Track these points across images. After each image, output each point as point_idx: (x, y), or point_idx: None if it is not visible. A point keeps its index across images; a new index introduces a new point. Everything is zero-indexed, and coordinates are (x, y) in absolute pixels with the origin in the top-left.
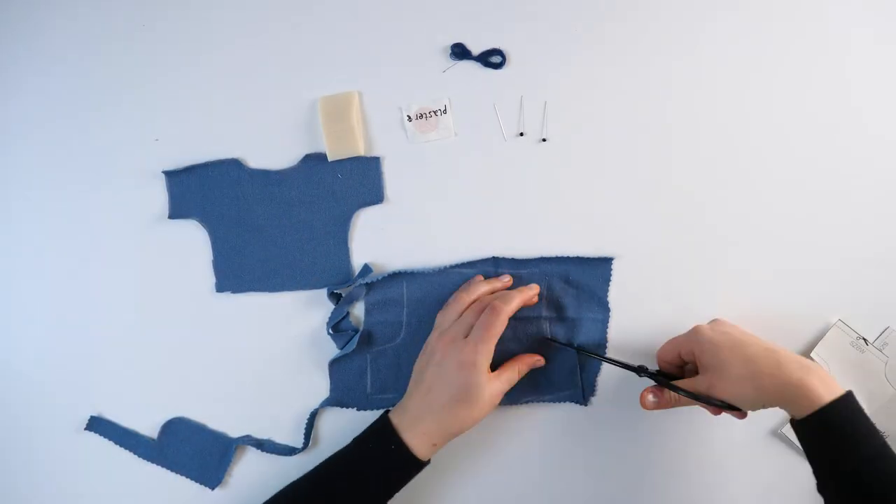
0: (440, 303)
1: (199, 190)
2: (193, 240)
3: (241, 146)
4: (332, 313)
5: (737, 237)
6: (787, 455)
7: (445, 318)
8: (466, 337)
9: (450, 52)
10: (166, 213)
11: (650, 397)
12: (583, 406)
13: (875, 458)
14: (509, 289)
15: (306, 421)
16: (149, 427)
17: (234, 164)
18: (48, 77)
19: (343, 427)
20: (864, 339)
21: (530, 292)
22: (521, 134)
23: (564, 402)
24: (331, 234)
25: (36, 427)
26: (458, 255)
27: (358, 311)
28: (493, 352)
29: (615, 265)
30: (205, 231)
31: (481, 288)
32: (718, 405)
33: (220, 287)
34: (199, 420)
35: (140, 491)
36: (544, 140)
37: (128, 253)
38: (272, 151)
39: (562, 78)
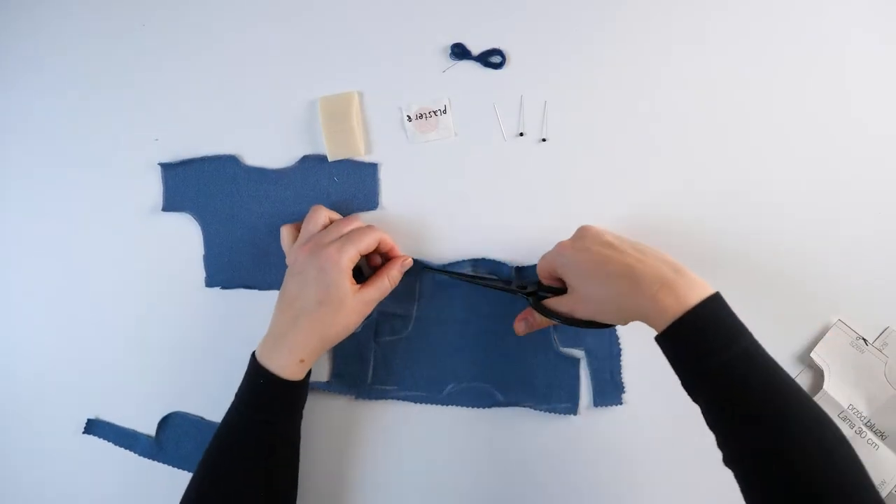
0: (452, 301)
1: (195, 184)
2: (186, 234)
3: (240, 146)
4: None
5: (736, 237)
6: None
7: (308, 228)
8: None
9: (450, 52)
10: (160, 205)
11: (521, 324)
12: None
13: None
14: None
15: None
16: (144, 421)
17: (231, 161)
18: (47, 75)
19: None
20: (863, 339)
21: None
22: (521, 134)
23: (559, 413)
24: None
25: (27, 423)
26: (458, 256)
27: None
28: (356, 260)
29: None
30: (197, 225)
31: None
32: (583, 326)
33: (210, 282)
34: (195, 412)
35: (142, 490)
36: (544, 140)
37: (121, 246)
38: (271, 151)
39: (562, 78)
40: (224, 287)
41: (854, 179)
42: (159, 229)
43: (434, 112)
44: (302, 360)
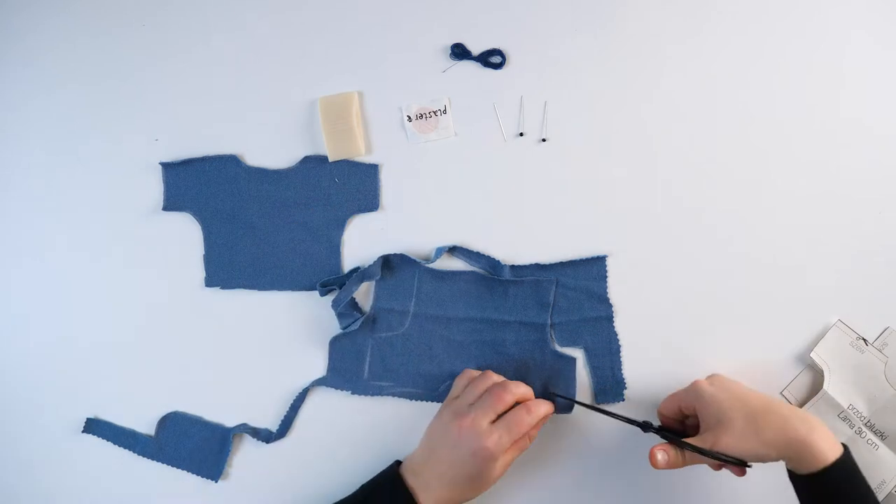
0: (450, 299)
1: (195, 184)
2: (186, 234)
3: (240, 145)
4: (341, 292)
5: (736, 237)
6: None
7: (465, 389)
8: (492, 423)
9: (450, 52)
10: (160, 205)
11: (660, 455)
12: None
13: None
14: None
15: (293, 399)
16: (142, 420)
17: (232, 161)
18: (47, 74)
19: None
20: (863, 339)
21: (549, 409)
22: (521, 134)
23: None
24: (324, 237)
25: (26, 422)
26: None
27: (363, 296)
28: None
29: (615, 262)
30: (198, 225)
31: (498, 379)
32: (726, 461)
33: (210, 282)
34: (194, 412)
35: (142, 490)
36: (544, 140)
37: (121, 245)
38: (271, 151)
39: (562, 78)
40: (223, 287)
41: (854, 179)
42: (159, 229)
43: (434, 112)
44: None
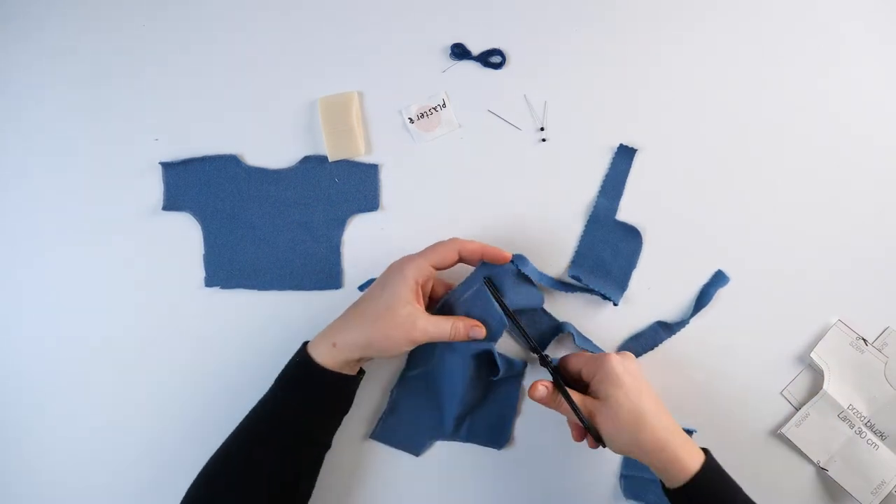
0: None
1: (195, 183)
2: (186, 233)
3: (240, 146)
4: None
5: (737, 237)
6: (788, 455)
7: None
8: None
9: (450, 52)
10: (160, 204)
11: (541, 388)
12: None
13: None
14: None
15: None
16: (140, 420)
17: (232, 160)
18: (46, 74)
19: None
20: (863, 339)
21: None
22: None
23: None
24: (324, 237)
25: (25, 422)
26: None
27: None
28: (425, 269)
29: None
30: (198, 225)
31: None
32: (592, 433)
33: (210, 282)
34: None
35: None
36: (544, 140)
37: (121, 245)
38: (271, 151)
39: (562, 78)
40: (223, 287)
41: (854, 179)
42: (159, 228)
43: (434, 108)
44: (334, 345)
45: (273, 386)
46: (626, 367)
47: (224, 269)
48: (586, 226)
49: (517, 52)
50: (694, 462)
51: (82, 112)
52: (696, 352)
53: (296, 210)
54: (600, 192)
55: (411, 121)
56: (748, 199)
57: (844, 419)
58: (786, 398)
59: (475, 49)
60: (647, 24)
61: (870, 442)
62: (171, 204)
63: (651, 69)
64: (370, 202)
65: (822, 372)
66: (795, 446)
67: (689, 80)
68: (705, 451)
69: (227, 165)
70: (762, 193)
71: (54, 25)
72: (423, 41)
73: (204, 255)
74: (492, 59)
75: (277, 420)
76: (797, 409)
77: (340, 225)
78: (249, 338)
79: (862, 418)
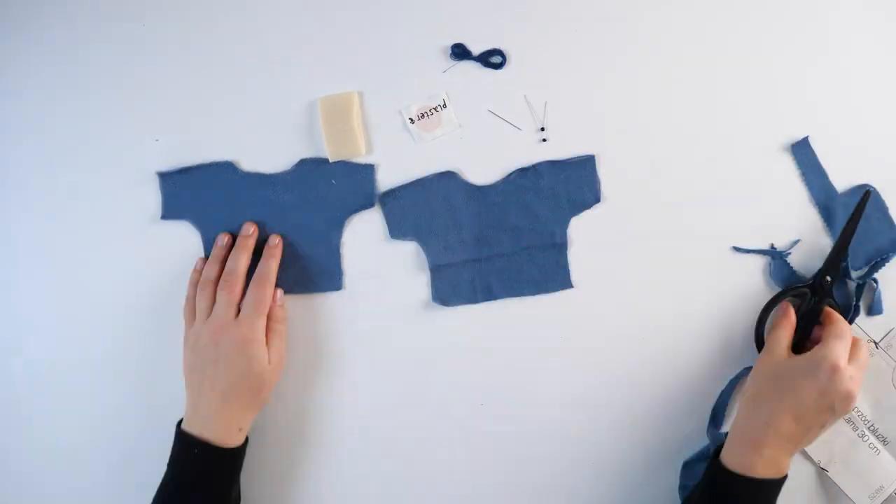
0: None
1: (192, 192)
2: (187, 241)
3: (240, 146)
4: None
5: (739, 237)
6: None
7: (200, 305)
8: (236, 317)
9: (450, 52)
10: (159, 213)
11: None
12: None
13: None
14: None
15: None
16: (145, 428)
17: (228, 167)
18: (45, 76)
19: None
20: (874, 341)
21: (275, 250)
22: (520, 130)
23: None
24: (323, 240)
25: (24, 424)
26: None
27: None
28: (264, 325)
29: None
30: (197, 233)
31: (217, 266)
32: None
33: None
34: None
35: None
36: (544, 140)
37: (120, 253)
38: (271, 152)
39: (562, 78)
40: None
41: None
42: (159, 236)
43: (434, 109)
44: (241, 429)
45: (179, 489)
46: (842, 352)
47: None
48: None
49: (517, 52)
50: (768, 469)
51: (81, 113)
52: (706, 355)
53: (294, 213)
54: None
55: (412, 121)
56: (752, 199)
57: (848, 421)
58: None
59: (475, 49)
60: (649, 23)
61: (871, 446)
62: (169, 213)
63: (654, 68)
64: (367, 201)
65: None
66: None
67: (689, 77)
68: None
69: (223, 172)
70: (765, 194)
71: (53, 29)
72: (423, 41)
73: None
74: (492, 59)
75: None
76: None
77: (339, 226)
78: None
79: (866, 422)
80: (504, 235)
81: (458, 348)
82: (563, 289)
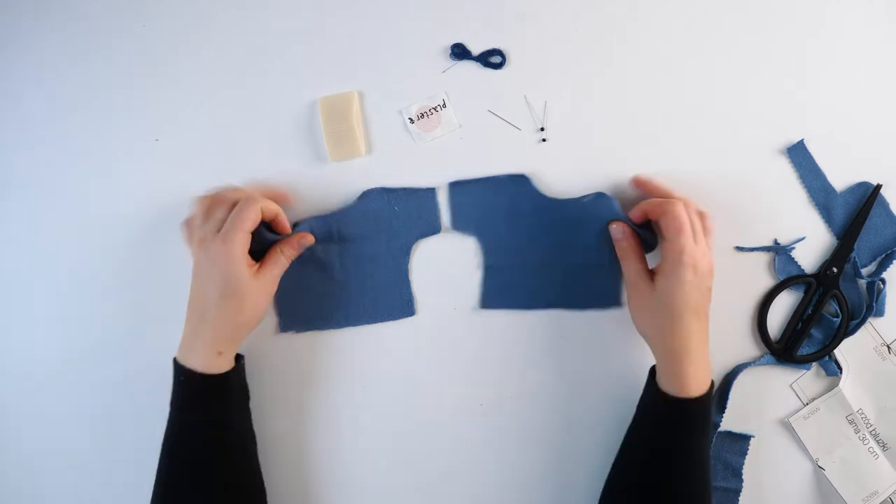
0: None
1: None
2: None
3: (240, 147)
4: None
5: (741, 240)
6: (787, 446)
7: (192, 222)
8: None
9: (450, 52)
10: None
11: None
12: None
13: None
14: None
15: None
16: (146, 439)
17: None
18: (45, 78)
19: None
20: (887, 346)
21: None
22: (520, 130)
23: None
24: (392, 267)
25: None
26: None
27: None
28: (248, 241)
29: None
30: None
31: (228, 193)
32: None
33: (284, 327)
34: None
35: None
36: (544, 140)
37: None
38: (271, 152)
39: (562, 78)
40: (297, 331)
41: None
42: (153, 242)
43: (434, 109)
44: (220, 353)
45: (175, 416)
46: (689, 243)
47: (297, 313)
48: None
49: (517, 52)
50: (692, 387)
51: (81, 112)
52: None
53: (361, 245)
54: None
55: (411, 121)
56: (755, 199)
57: (851, 422)
58: (794, 391)
59: (475, 49)
60: (649, 23)
61: (871, 450)
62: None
63: (654, 68)
64: (432, 226)
65: (841, 369)
66: (798, 438)
67: (690, 77)
68: (711, 383)
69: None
70: (767, 195)
71: (53, 30)
72: (423, 41)
73: (275, 301)
74: (492, 59)
75: (198, 444)
76: (805, 405)
77: (406, 252)
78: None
79: (868, 425)
80: (564, 249)
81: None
82: (612, 307)
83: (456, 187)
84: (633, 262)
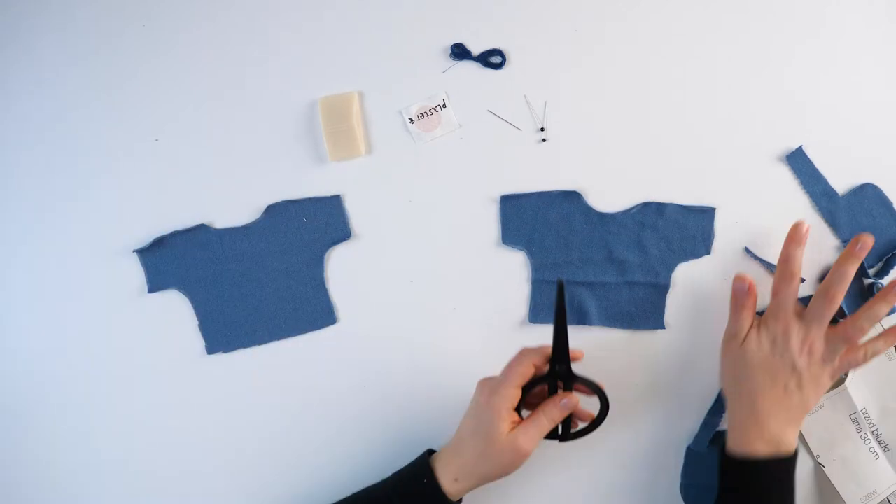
0: None
1: (172, 260)
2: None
3: (239, 147)
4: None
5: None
6: None
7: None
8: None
9: (450, 52)
10: (145, 287)
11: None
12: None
13: None
14: None
15: None
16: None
17: (202, 229)
18: (44, 78)
19: None
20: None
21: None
22: (520, 130)
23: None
24: (307, 278)
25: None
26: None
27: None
28: (514, 395)
29: None
30: (185, 298)
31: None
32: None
33: (211, 349)
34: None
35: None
36: (544, 140)
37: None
38: (271, 152)
39: (562, 78)
40: (225, 351)
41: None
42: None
43: (434, 109)
44: (456, 480)
45: (390, 491)
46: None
47: (221, 334)
48: None
49: (517, 52)
50: (771, 447)
51: (80, 113)
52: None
53: (273, 259)
54: None
55: (411, 121)
56: (757, 199)
57: (854, 421)
58: None
59: (475, 49)
60: (649, 23)
61: (872, 450)
62: (154, 285)
63: (654, 68)
64: (342, 232)
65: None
66: (800, 435)
67: (690, 77)
68: (795, 452)
69: (198, 234)
70: (769, 195)
71: (52, 31)
72: (423, 41)
73: (199, 325)
74: (492, 59)
75: None
76: None
77: (320, 262)
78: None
79: (871, 425)
80: (612, 265)
81: None
82: (655, 329)
83: (507, 201)
84: (746, 312)
